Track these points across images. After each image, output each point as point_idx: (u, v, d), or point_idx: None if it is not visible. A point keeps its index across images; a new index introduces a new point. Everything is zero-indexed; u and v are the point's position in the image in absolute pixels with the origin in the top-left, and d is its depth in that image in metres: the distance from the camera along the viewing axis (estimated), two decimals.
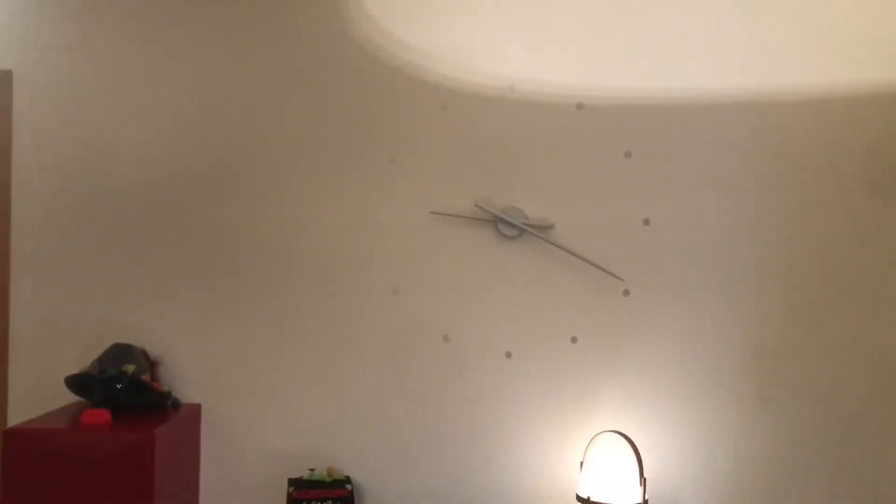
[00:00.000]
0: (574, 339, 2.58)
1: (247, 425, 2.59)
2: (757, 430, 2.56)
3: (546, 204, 2.57)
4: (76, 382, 2.36)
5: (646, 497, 2.30)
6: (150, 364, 2.52)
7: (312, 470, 2.49)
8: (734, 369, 2.56)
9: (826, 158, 2.55)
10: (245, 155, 2.59)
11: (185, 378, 2.58)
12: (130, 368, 2.37)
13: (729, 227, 2.56)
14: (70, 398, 2.49)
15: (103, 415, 2.24)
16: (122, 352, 2.45)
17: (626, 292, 2.57)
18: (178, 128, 2.59)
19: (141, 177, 2.59)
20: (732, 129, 2.56)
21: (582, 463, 2.40)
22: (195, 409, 2.56)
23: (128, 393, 2.35)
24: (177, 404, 2.50)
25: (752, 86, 2.55)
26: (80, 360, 2.48)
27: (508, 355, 2.58)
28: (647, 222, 2.56)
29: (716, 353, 2.56)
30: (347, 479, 2.46)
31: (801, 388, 2.56)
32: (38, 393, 2.53)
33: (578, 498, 2.34)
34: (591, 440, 2.42)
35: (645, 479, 2.30)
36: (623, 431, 2.41)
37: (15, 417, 2.53)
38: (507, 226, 2.54)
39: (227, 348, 2.59)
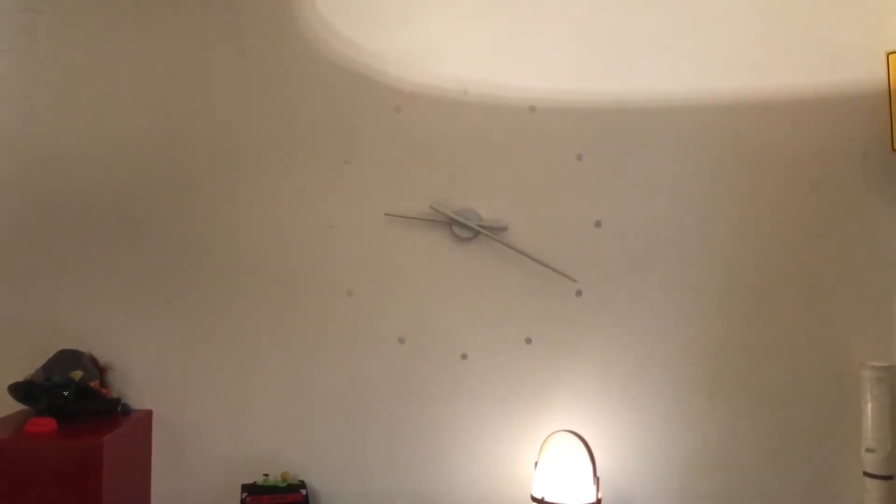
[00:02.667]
0: (528, 340, 2.60)
1: (200, 431, 2.54)
2: (708, 427, 2.62)
3: (500, 206, 2.60)
4: (20, 391, 2.29)
5: (599, 496, 2.33)
6: (99, 370, 2.46)
7: (266, 475, 2.47)
8: (685, 367, 2.62)
9: (775, 160, 2.63)
10: (198, 156, 2.55)
11: (135, 384, 2.52)
12: (78, 375, 2.32)
13: (679, 228, 2.62)
14: (14, 407, 2.41)
15: (48, 423, 2.18)
16: (68, 358, 2.39)
17: (579, 293, 2.60)
18: (129, 130, 2.53)
19: (89, 178, 2.52)
20: (683, 131, 2.61)
21: (536, 463, 2.42)
22: (146, 416, 2.51)
23: (75, 400, 2.29)
24: (127, 410, 2.45)
25: (703, 88, 2.61)
26: (25, 367, 2.39)
27: (464, 357, 2.59)
28: (598, 224, 2.60)
29: (667, 351, 2.61)
30: (302, 484, 2.44)
31: (750, 386, 2.63)
32: None
33: (533, 498, 2.36)
34: (545, 440, 2.44)
35: (598, 479, 2.34)
36: (577, 430, 2.44)
37: None
38: (461, 227, 2.56)
39: (179, 353, 2.54)
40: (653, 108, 2.60)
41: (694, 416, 2.61)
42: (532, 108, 2.59)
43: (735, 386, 2.62)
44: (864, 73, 2.61)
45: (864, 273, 2.63)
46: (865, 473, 2.48)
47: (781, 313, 2.63)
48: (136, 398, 2.52)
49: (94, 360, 2.46)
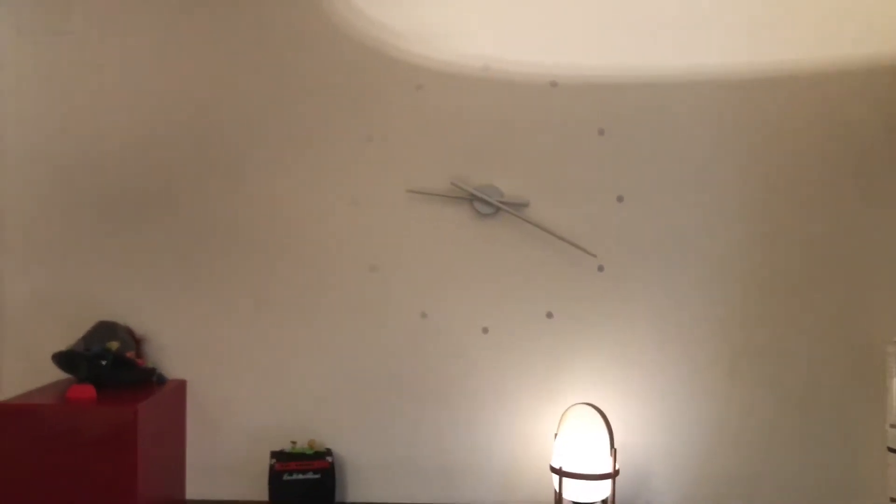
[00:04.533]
0: (549, 315, 2.62)
1: (231, 400, 2.64)
2: (729, 404, 2.62)
3: (521, 182, 2.61)
4: (63, 359, 2.41)
5: (616, 467, 2.36)
6: (136, 341, 2.57)
7: (294, 443, 2.55)
8: (706, 344, 2.61)
9: (804, 135, 2.58)
10: (224, 136, 2.63)
11: (170, 355, 2.63)
12: (115, 345, 2.43)
13: (701, 203, 2.60)
14: (59, 375, 2.55)
15: (88, 391, 2.30)
16: (106, 329, 2.51)
17: (601, 268, 2.61)
18: (158, 111, 2.63)
19: (123, 158, 2.63)
20: (708, 106, 2.58)
21: (556, 434, 2.45)
22: (180, 386, 2.62)
23: (112, 369, 2.41)
24: (161, 380, 2.55)
25: (728, 62, 2.57)
26: (67, 337, 2.52)
27: (485, 331, 2.63)
28: (620, 199, 2.60)
29: (688, 327, 2.61)
30: (328, 452, 2.53)
31: (772, 362, 2.61)
32: (28, 370, 2.58)
33: (552, 468, 2.40)
34: (564, 412, 2.47)
35: (615, 450, 2.36)
36: (596, 404, 2.46)
37: (5, 393, 2.60)
38: (482, 203, 2.58)
39: (210, 326, 2.64)
40: (677, 83, 2.57)
41: (714, 393, 2.61)
42: (553, 84, 2.59)
43: (756, 363, 2.61)
44: None
45: (891, 249, 2.58)
46: (889, 449, 2.45)
47: (805, 289, 2.61)
48: (171, 369, 2.63)
49: (130, 332, 2.58)
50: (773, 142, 2.58)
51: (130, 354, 2.47)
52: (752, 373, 2.61)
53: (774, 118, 2.58)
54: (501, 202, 2.57)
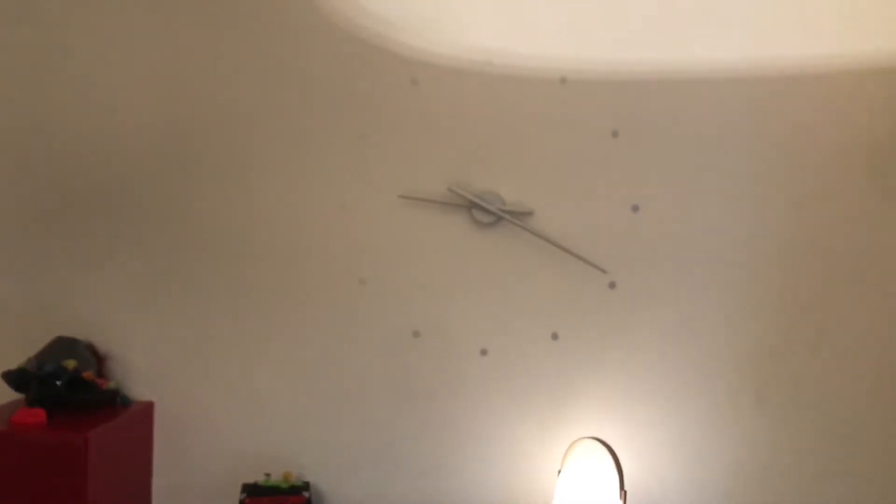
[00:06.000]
0: (555, 336, 2.40)
1: (203, 424, 2.43)
2: (754, 436, 2.40)
3: (525, 188, 2.38)
4: (13, 379, 2.21)
5: None
6: (98, 359, 2.36)
7: (269, 475, 2.32)
8: (729, 369, 2.39)
9: (834, 137, 2.33)
10: (203, 132, 2.40)
11: (136, 374, 2.41)
12: (71, 364, 2.22)
13: (725, 215, 2.36)
14: (11, 395, 2.32)
15: (37, 414, 2.09)
16: (64, 346, 2.30)
17: (612, 285, 2.38)
18: (128, 103, 2.39)
19: (88, 157, 2.40)
20: (731, 105, 2.34)
21: (560, 471, 2.22)
22: (147, 408, 2.40)
23: (68, 390, 2.19)
24: (126, 402, 2.34)
25: (752, 58, 2.33)
26: (22, 354, 2.30)
27: (484, 353, 2.41)
28: (635, 209, 2.37)
29: (709, 351, 2.38)
30: (306, 486, 2.30)
31: (802, 389, 2.39)
32: None
33: None
34: (569, 447, 2.24)
35: (625, 492, 2.12)
36: (606, 437, 2.23)
37: None
38: (482, 212, 2.35)
39: (181, 342, 2.42)
40: (697, 80, 2.33)
41: (739, 423, 2.38)
42: (563, 80, 2.36)
43: (786, 389, 2.39)
44: None
45: None
46: None
47: (839, 308, 2.38)
48: (137, 389, 2.42)
49: (92, 349, 2.37)
50: (808, 144, 2.34)
51: (89, 374, 2.24)
52: (781, 402, 2.39)
53: (810, 118, 2.33)
54: (503, 210, 2.34)
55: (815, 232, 2.36)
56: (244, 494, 2.23)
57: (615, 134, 2.36)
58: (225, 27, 2.38)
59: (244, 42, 2.38)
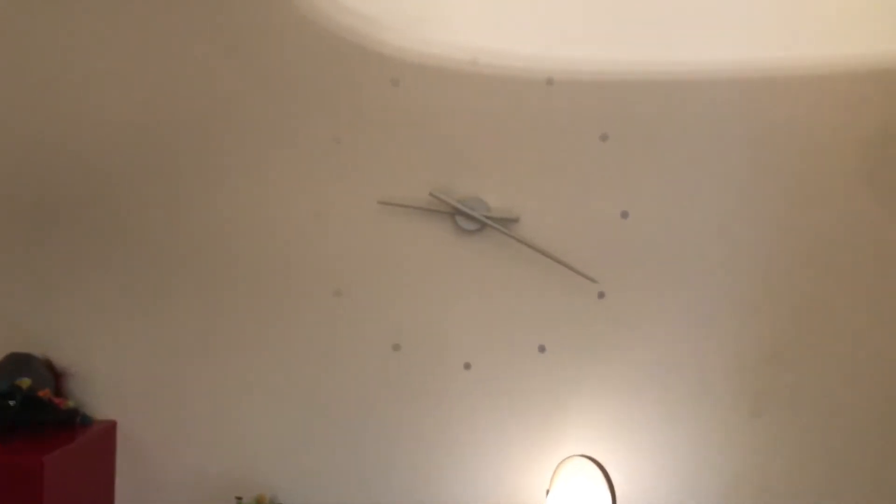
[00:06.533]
0: (542, 349, 2.29)
1: (169, 445, 2.28)
2: (750, 452, 2.30)
3: (511, 194, 2.27)
4: None
5: None
6: (56, 376, 2.21)
7: (240, 498, 2.19)
8: (723, 382, 2.29)
9: (832, 141, 2.26)
10: (169, 137, 2.26)
11: (98, 392, 2.26)
12: (25, 383, 2.07)
13: (719, 222, 2.27)
14: None
15: None
16: (19, 363, 2.15)
17: (602, 295, 2.27)
18: (93, 111, 2.24)
19: (47, 163, 2.25)
20: (725, 108, 2.25)
21: (548, 491, 2.11)
22: (109, 428, 2.26)
23: (22, 411, 2.04)
24: (86, 421, 2.19)
25: (748, 59, 2.24)
26: None
27: (467, 366, 2.29)
28: (625, 215, 2.27)
29: (703, 364, 2.29)
30: None
31: (800, 403, 2.30)
32: None
33: None
34: (558, 465, 2.13)
35: None
36: (596, 455, 2.13)
37: None
38: (466, 218, 2.24)
39: (146, 358, 2.27)
40: (690, 81, 2.24)
41: (734, 439, 2.29)
42: (550, 81, 2.26)
43: (783, 403, 2.30)
44: None
45: None
46: None
47: (838, 319, 2.30)
48: (99, 408, 2.27)
49: (49, 366, 2.22)
50: (805, 149, 2.26)
51: (45, 393, 2.09)
52: (778, 416, 2.30)
53: (807, 121, 2.26)
54: (488, 217, 2.23)
55: (812, 236, 2.28)
56: None
57: (604, 137, 2.26)
58: (198, 25, 2.24)
59: (216, 41, 2.24)
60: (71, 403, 2.17)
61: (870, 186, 2.27)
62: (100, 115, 2.24)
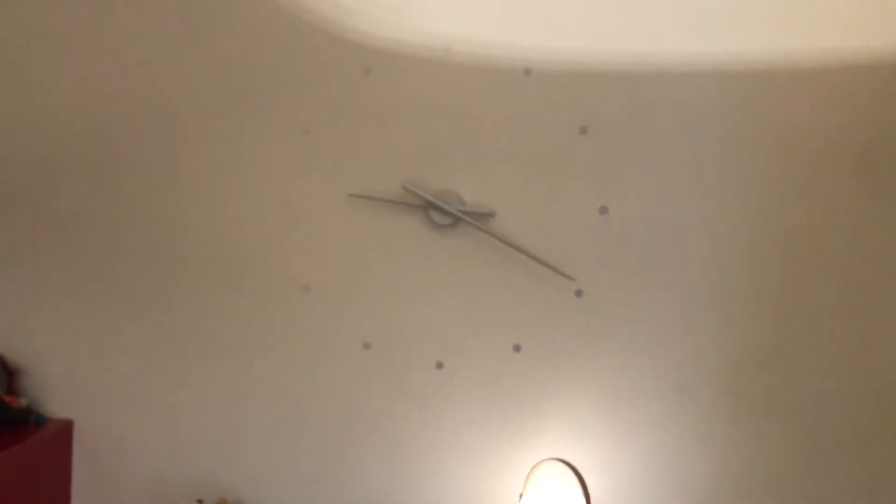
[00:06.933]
0: (517, 348, 2.21)
1: (128, 445, 2.21)
2: (729, 455, 2.23)
3: (486, 187, 2.18)
4: None
5: None
6: (8, 374, 2.13)
7: (201, 501, 2.10)
8: (705, 384, 2.21)
9: (815, 136, 2.17)
10: (127, 124, 2.16)
11: (53, 390, 2.19)
12: None
13: (701, 218, 2.18)
14: None
15: None
16: None
17: (579, 293, 2.19)
18: (42, 92, 2.14)
19: None
20: (708, 101, 2.16)
21: (521, 495, 2.03)
22: (65, 427, 2.17)
23: None
24: (41, 420, 2.11)
25: (733, 50, 2.15)
26: None
27: (440, 366, 2.21)
28: (604, 210, 2.18)
29: (682, 365, 2.20)
30: None
31: (780, 406, 2.22)
32: None
33: None
34: (532, 469, 2.05)
35: None
36: (572, 458, 2.06)
37: None
38: (439, 213, 2.15)
39: (104, 353, 2.19)
40: (672, 73, 2.15)
41: (713, 443, 2.21)
42: (528, 71, 2.17)
43: (761, 406, 2.22)
44: None
45: None
46: None
47: (817, 320, 2.21)
48: (55, 406, 2.20)
49: (1, 362, 2.12)
50: (789, 144, 2.17)
51: None
52: (756, 419, 2.22)
53: (791, 115, 2.16)
54: (462, 211, 2.15)
55: (800, 235, 2.19)
56: None
57: (584, 130, 2.18)
58: (162, 9, 2.14)
59: (174, 25, 2.14)
60: (23, 402, 2.08)
61: (861, 183, 2.19)
62: (57, 102, 2.14)
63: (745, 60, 2.15)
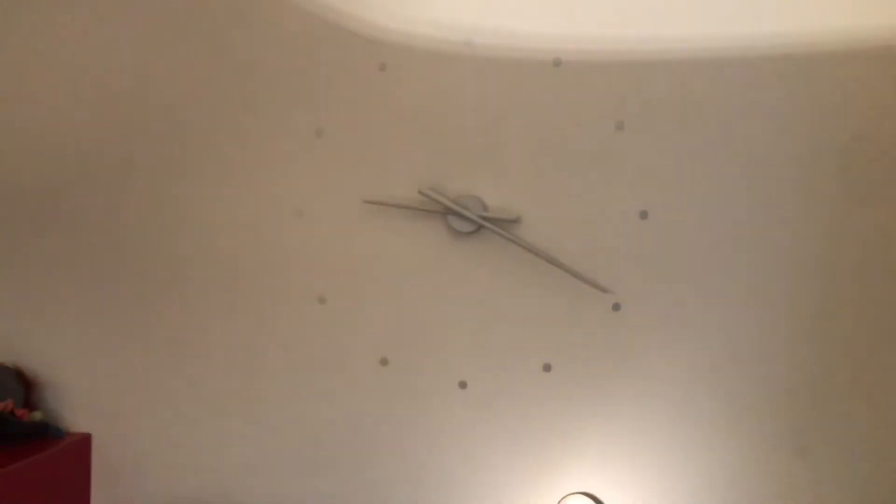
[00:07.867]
0: (547, 367, 2.02)
1: (147, 460, 2.18)
2: (795, 495, 1.96)
3: (510, 191, 2.01)
4: None
5: None
6: (25, 386, 2.12)
7: None
8: (761, 411, 1.96)
9: (888, 125, 1.87)
10: (138, 129, 2.12)
11: (72, 403, 2.18)
12: None
13: (753, 222, 1.93)
14: None
15: None
16: None
17: (617, 307, 1.98)
18: (53, 105, 2.13)
19: (11, 161, 2.16)
20: (759, 91, 1.91)
21: None
22: (84, 441, 2.16)
23: None
24: (59, 434, 2.10)
25: (786, 32, 1.89)
26: None
27: (463, 385, 2.06)
28: (643, 215, 1.97)
29: (735, 388, 1.96)
30: None
31: (855, 437, 1.94)
32: None
33: None
34: (557, 503, 1.86)
35: None
36: (603, 492, 1.85)
37: None
38: (460, 219, 2.00)
39: (124, 366, 2.16)
40: (717, 60, 1.91)
41: (775, 480, 1.96)
42: (557, 63, 1.98)
43: (834, 438, 1.95)
44: None
45: None
46: None
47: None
48: (73, 420, 2.19)
49: (19, 375, 2.13)
50: (855, 134, 1.89)
51: (9, 404, 1.99)
52: (828, 452, 1.95)
53: (857, 102, 1.88)
54: (484, 218, 1.98)
55: (866, 241, 1.90)
56: None
57: (620, 126, 1.97)
58: (164, 9, 2.09)
59: (182, 26, 2.09)
60: (38, 415, 2.07)
61: None
62: (64, 116, 2.14)
63: (801, 42, 1.88)
